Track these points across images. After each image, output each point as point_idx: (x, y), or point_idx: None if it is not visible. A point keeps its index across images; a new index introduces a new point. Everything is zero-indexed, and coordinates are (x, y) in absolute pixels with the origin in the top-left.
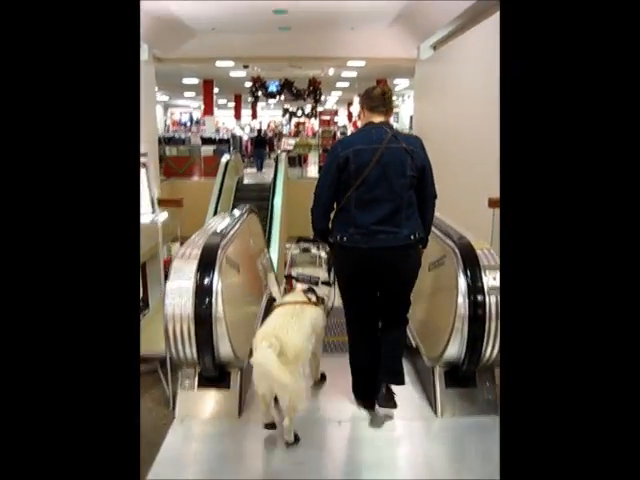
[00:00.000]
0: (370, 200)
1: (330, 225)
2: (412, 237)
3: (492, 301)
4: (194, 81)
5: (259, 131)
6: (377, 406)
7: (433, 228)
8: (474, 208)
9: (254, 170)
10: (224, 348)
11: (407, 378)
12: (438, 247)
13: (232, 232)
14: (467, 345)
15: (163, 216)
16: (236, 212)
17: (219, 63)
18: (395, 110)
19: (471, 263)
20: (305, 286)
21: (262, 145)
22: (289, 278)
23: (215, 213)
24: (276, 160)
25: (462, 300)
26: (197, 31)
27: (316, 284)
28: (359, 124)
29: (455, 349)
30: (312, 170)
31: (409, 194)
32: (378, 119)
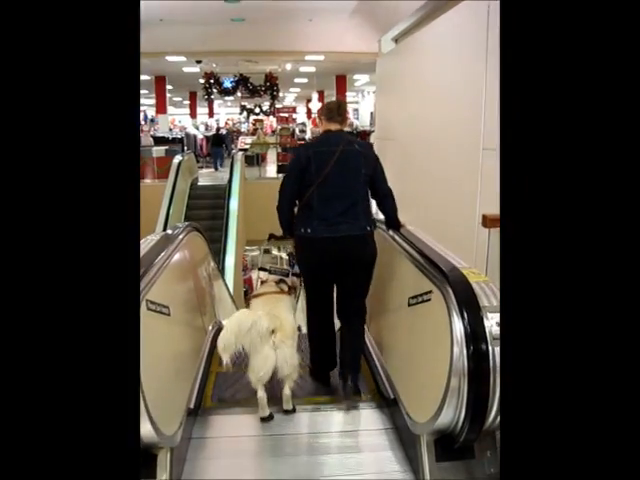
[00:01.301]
0: (330, 195)
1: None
2: (368, 228)
3: (497, 352)
4: (145, 77)
5: (217, 129)
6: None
7: (413, 251)
8: (446, 217)
9: (210, 170)
10: (143, 428)
11: (384, 440)
12: (421, 278)
13: (158, 266)
14: (467, 410)
15: None
16: (170, 232)
17: (170, 58)
18: (355, 107)
19: (468, 303)
20: (277, 278)
21: (219, 143)
22: (261, 270)
23: (167, 219)
24: (232, 160)
25: (458, 351)
26: (144, 23)
27: (287, 275)
28: (318, 121)
29: (450, 414)
30: (271, 170)
31: (364, 190)
32: (334, 127)
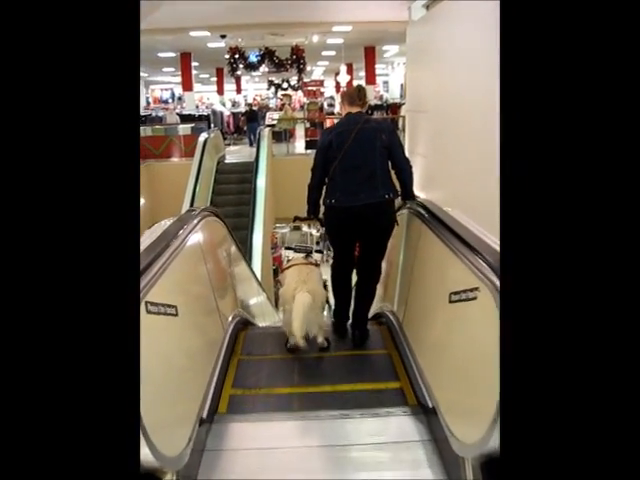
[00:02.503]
0: (350, 168)
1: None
2: (386, 196)
3: None
4: (171, 55)
5: (250, 105)
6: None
7: (454, 239)
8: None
9: (238, 147)
10: (142, 452)
11: (421, 454)
12: (465, 271)
13: (162, 262)
14: None
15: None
16: (182, 219)
17: (193, 33)
18: (384, 79)
19: None
20: (302, 255)
21: (254, 119)
22: (288, 249)
23: (193, 198)
24: (258, 136)
25: None
26: None
27: (310, 253)
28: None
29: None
30: (300, 146)
31: (382, 162)
32: (355, 109)
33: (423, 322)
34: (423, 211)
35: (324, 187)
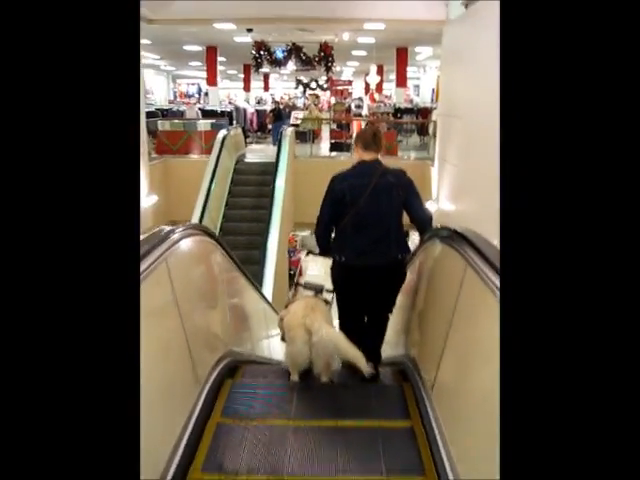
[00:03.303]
0: (363, 226)
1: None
2: (399, 256)
3: None
4: (197, 48)
5: (277, 103)
6: None
7: None
8: None
9: (260, 146)
10: None
11: None
12: None
13: None
14: None
15: (151, 200)
16: (150, 243)
17: (218, 25)
18: (415, 83)
19: None
20: (312, 293)
21: (280, 118)
22: (297, 286)
23: (207, 197)
24: (280, 136)
25: None
26: None
27: (321, 292)
28: (376, 97)
29: None
30: (324, 147)
31: (397, 220)
32: (369, 157)
33: (466, 394)
34: (467, 248)
35: (332, 234)
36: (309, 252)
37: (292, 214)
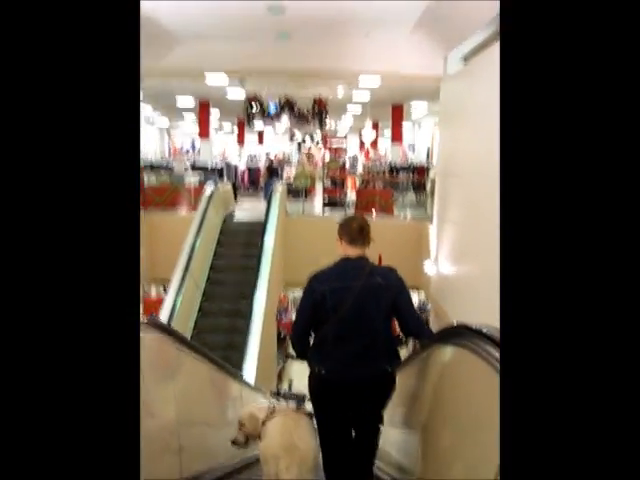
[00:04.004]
0: (346, 336)
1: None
2: (388, 369)
3: None
4: (189, 101)
5: (270, 161)
6: None
7: None
8: None
9: (251, 204)
10: None
11: None
12: None
13: None
14: None
15: None
16: None
17: (210, 78)
18: (410, 142)
19: None
20: (293, 404)
21: (274, 174)
22: (276, 395)
23: (190, 256)
24: (270, 192)
25: None
26: (180, 38)
27: (302, 400)
28: (371, 154)
29: None
30: (317, 205)
31: (385, 327)
32: (355, 252)
33: None
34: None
35: (310, 341)
36: (287, 356)
37: (282, 274)
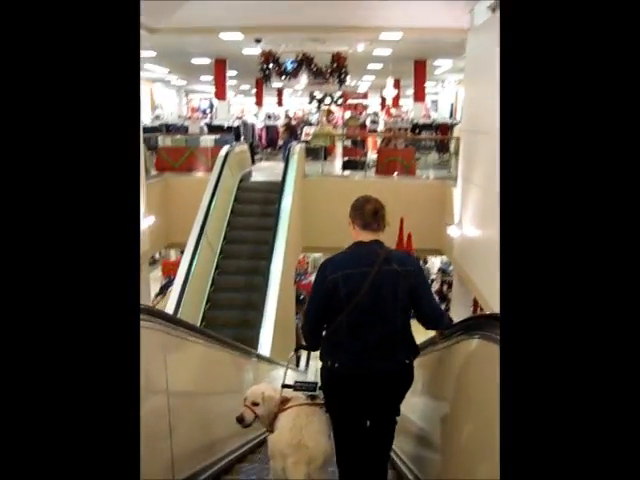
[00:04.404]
0: (362, 326)
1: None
2: (407, 361)
3: None
4: (206, 61)
5: (289, 118)
6: None
7: None
8: None
9: (269, 163)
10: None
11: None
12: None
13: None
14: None
15: (149, 221)
16: None
17: (224, 36)
18: (433, 98)
19: None
20: (304, 395)
21: (293, 134)
22: (286, 387)
23: (206, 218)
24: (287, 152)
25: None
26: None
27: (314, 390)
28: (393, 112)
29: None
30: (337, 165)
31: (403, 317)
32: (369, 237)
33: None
34: None
35: (322, 334)
36: (298, 347)
37: (300, 237)
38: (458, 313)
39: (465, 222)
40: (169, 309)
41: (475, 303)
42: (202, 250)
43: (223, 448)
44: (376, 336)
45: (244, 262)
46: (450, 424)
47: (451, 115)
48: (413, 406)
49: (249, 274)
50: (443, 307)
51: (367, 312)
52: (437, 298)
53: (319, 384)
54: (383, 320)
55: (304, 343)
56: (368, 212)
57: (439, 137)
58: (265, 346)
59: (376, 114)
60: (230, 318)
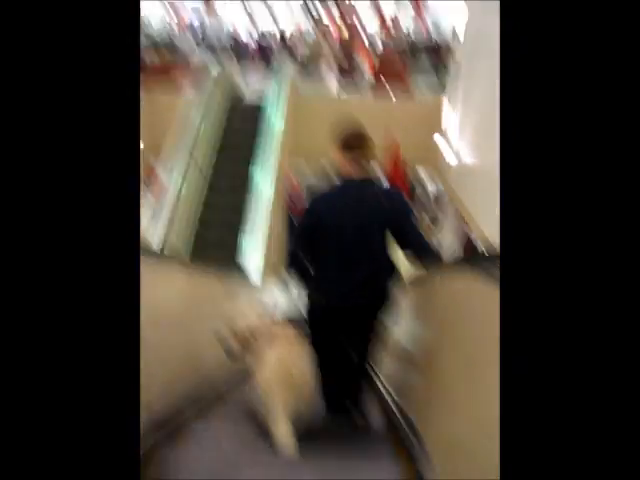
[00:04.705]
0: (349, 262)
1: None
2: (389, 293)
3: None
4: None
5: (284, 37)
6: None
7: None
8: None
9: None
10: None
11: None
12: None
13: None
14: None
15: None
16: None
17: None
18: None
19: None
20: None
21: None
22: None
23: (195, 143)
24: (281, 71)
25: None
26: None
27: (300, 320)
28: (392, 31)
29: None
30: (331, 86)
31: (384, 249)
32: (355, 169)
33: None
34: None
35: (308, 269)
36: (287, 275)
37: (294, 159)
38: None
39: (462, 148)
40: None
41: (466, 225)
42: (190, 172)
43: (213, 376)
44: (361, 271)
45: (237, 180)
46: (434, 353)
47: (453, 37)
48: (398, 331)
49: (240, 193)
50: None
51: (353, 248)
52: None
53: (305, 316)
54: (369, 257)
55: (291, 276)
56: (350, 136)
57: (438, 58)
58: (255, 272)
59: (374, 35)
60: (220, 240)
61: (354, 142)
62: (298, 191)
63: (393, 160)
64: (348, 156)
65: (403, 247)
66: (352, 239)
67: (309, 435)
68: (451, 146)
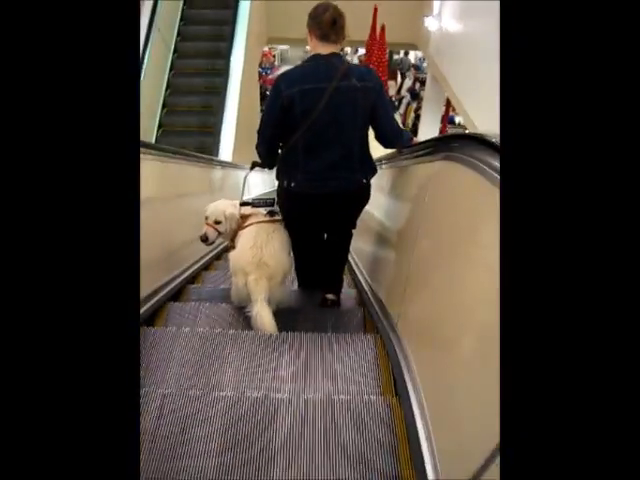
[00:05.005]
0: (319, 144)
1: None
2: (364, 180)
3: None
4: None
5: None
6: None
7: None
8: None
9: None
10: None
11: None
12: None
13: None
14: None
15: None
16: None
17: None
18: None
19: None
20: (264, 210)
21: None
22: (245, 204)
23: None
24: None
25: None
26: None
27: (272, 205)
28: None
29: None
30: None
31: (361, 134)
32: (327, 49)
33: None
34: None
35: (278, 153)
36: (254, 164)
37: (265, 27)
38: (431, 111)
39: (444, 13)
40: None
41: (447, 103)
42: (154, 46)
43: (188, 258)
44: (333, 155)
45: (202, 61)
46: (408, 240)
47: None
48: (375, 219)
49: (208, 76)
50: (415, 106)
51: (324, 130)
52: (409, 96)
53: (277, 200)
54: (340, 139)
55: (259, 161)
56: (326, 21)
57: None
58: (226, 151)
59: None
60: (188, 123)
61: (329, 28)
62: (270, 59)
63: (373, 25)
64: (321, 43)
65: (375, 129)
66: (322, 120)
67: (283, 311)
68: (433, 11)
